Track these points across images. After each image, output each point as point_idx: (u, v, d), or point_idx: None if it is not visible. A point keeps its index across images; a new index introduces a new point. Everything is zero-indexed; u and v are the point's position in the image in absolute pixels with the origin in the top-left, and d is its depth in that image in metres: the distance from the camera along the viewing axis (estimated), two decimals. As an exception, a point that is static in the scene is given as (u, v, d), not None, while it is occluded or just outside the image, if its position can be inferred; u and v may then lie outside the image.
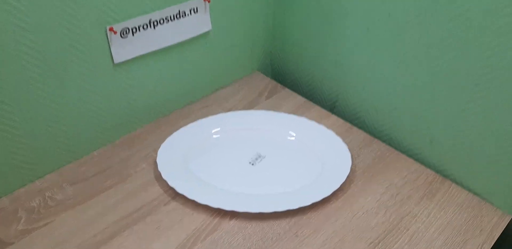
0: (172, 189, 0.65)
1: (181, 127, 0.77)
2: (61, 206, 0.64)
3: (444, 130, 0.68)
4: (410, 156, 0.74)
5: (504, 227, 0.62)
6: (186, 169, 0.68)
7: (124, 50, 0.66)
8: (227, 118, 0.78)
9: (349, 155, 0.70)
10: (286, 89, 0.87)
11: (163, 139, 0.75)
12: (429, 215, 0.63)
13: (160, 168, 0.67)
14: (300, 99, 0.85)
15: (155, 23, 0.67)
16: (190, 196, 0.63)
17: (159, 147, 0.72)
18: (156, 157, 0.71)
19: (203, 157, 0.71)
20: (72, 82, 0.64)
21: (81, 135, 0.70)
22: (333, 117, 0.81)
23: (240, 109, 0.82)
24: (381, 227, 0.61)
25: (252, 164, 0.70)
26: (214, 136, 0.75)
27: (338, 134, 0.77)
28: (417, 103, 0.70)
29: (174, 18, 0.70)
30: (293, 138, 0.75)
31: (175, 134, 0.74)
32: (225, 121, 0.77)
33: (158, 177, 0.68)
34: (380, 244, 0.59)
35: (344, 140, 0.75)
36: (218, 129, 0.76)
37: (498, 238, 0.61)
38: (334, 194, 0.65)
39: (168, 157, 0.70)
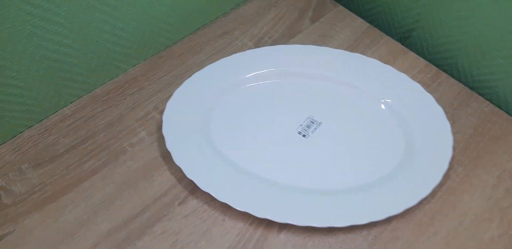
0: (188, 179, 0.44)
1: (192, 68, 0.51)
2: (21, 206, 0.42)
3: None
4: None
5: None
6: (208, 142, 0.45)
7: None
8: (262, 57, 0.52)
9: (448, 126, 0.48)
10: (339, 6, 0.60)
11: (168, 90, 0.50)
12: (560, 221, 0.44)
13: (169, 145, 0.44)
14: (361, 23, 0.58)
15: None
16: (218, 196, 0.41)
17: (163, 102, 0.48)
18: (160, 119, 0.48)
19: (231, 122, 0.48)
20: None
21: (42, 87, 0.45)
22: (411, 55, 0.55)
23: (276, 39, 0.56)
24: (498, 243, 0.43)
25: (303, 135, 0.47)
26: (247, 85, 0.50)
27: (420, 83, 0.53)
28: None
29: None
30: (362, 93, 0.51)
31: (186, 84, 0.48)
32: (259, 63, 0.51)
33: (167, 155, 0.46)
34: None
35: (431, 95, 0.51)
36: (252, 74, 0.51)
37: None
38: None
39: (179, 122, 0.46)
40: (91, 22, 0.45)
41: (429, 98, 0.49)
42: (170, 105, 0.47)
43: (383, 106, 0.49)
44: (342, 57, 0.52)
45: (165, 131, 0.45)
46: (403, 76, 0.51)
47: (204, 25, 0.57)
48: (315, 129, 0.48)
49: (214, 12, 0.57)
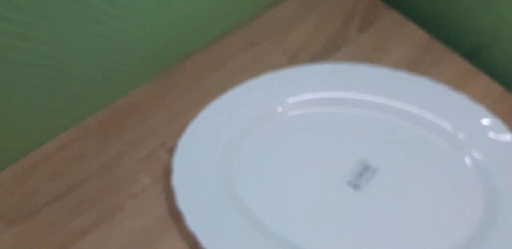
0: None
1: (210, 91, 0.41)
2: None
3: None
4: None
5: None
6: (232, 197, 0.35)
7: None
8: (301, 79, 0.41)
9: None
10: (394, 12, 0.48)
11: (179, 120, 0.39)
12: None
13: (180, 201, 0.33)
14: (421, 35, 0.46)
15: None
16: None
17: (173, 138, 0.38)
18: (169, 160, 0.37)
19: (261, 169, 0.37)
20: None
21: (21, 119, 0.34)
22: (483, 79, 0.44)
23: (315, 53, 0.44)
24: None
25: (354, 186, 0.37)
26: (282, 117, 0.39)
27: (496, 115, 0.42)
28: None
29: None
30: (435, 135, 0.40)
31: (204, 114, 0.38)
32: (297, 87, 0.40)
33: (177, 212, 0.35)
34: None
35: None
36: (288, 102, 0.40)
37: None
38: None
39: (194, 168, 0.35)
40: (85, 38, 0.34)
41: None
42: (183, 144, 0.36)
43: (465, 157, 0.38)
44: (406, 82, 0.40)
45: (175, 182, 0.34)
46: (482, 110, 0.39)
47: (225, 33, 0.46)
48: (370, 177, 0.37)
49: (237, 15, 0.46)
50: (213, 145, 0.36)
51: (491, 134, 0.38)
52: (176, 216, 0.35)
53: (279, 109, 0.39)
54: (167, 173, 0.37)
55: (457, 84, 0.43)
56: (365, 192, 0.36)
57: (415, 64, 0.44)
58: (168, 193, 0.36)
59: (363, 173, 0.37)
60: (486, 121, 0.39)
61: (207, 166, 0.35)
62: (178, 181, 0.34)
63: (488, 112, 0.39)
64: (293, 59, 0.44)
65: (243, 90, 0.39)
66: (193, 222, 0.33)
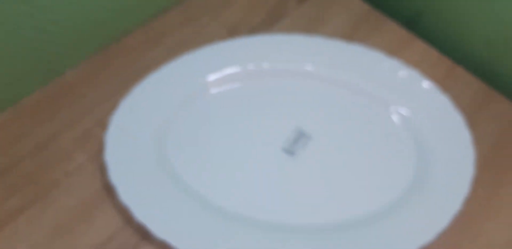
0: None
1: (147, 67, 0.40)
2: None
3: None
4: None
5: None
6: (165, 170, 0.35)
7: None
8: (236, 51, 0.41)
9: (468, 139, 0.38)
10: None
11: (114, 98, 0.39)
12: None
13: (113, 176, 0.34)
14: (359, 5, 0.47)
15: None
16: (179, 245, 0.32)
17: (107, 117, 0.38)
18: (103, 138, 0.37)
19: (195, 141, 0.37)
20: None
21: None
22: (420, 46, 0.44)
23: (255, 26, 0.44)
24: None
25: (290, 153, 0.37)
26: (218, 89, 0.40)
27: (433, 79, 0.42)
28: None
29: None
30: (364, 98, 0.40)
31: (136, 91, 0.38)
32: (232, 59, 0.40)
33: (112, 188, 0.35)
34: None
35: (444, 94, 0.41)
36: (223, 74, 0.40)
37: None
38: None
39: (126, 143, 0.35)
40: (13, 18, 0.34)
41: (446, 102, 0.39)
42: (116, 120, 0.36)
43: (392, 115, 0.39)
44: (339, 50, 0.41)
45: (108, 157, 0.35)
46: (415, 74, 0.40)
47: (164, 10, 0.46)
48: (305, 143, 0.38)
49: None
50: (145, 120, 0.37)
51: (415, 88, 0.39)
52: (111, 192, 0.35)
53: (212, 83, 0.39)
54: (103, 153, 0.37)
55: (394, 50, 0.44)
56: (300, 157, 0.37)
57: (353, 33, 0.45)
58: (104, 170, 0.36)
59: (298, 140, 0.38)
60: (402, 74, 0.40)
61: (140, 141, 0.36)
62: (111, 155, 0.35)
63: (410, 69, 0.40)
64: (233, 33, 0.44)
65: (176, 65, 0.39)
66: (126, 195, 0.33)
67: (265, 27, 0.45)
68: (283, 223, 0.34)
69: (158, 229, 0.32)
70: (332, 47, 0.41)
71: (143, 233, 0.34)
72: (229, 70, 0.40)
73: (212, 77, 0.39)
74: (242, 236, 0.32)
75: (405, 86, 0.40)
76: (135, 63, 0.42)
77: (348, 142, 0.38)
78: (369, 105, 0.40)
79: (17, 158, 0.36)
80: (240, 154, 0.37)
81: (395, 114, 0.39)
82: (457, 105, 0.41)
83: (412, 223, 0.34)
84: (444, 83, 0.42)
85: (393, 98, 0.40)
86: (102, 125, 0.38)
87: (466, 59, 0.47)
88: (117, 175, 0.34)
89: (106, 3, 0.40)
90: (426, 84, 0.40)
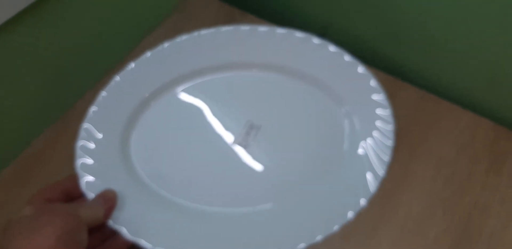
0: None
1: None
2: None
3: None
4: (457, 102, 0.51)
5: None
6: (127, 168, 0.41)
7: None
8: (164, 63, 0.45)
9: (390, 115, 0.42)
10: (249, 15, 0.57)
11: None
12: (503, 201, 0.44)
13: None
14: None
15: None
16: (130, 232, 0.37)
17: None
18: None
19: (155, 144, 0.43)
20: None
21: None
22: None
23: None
24: (445, 238, 0.42)
25: (242, 145, 0.43)
26: (161, 99, 0.45)
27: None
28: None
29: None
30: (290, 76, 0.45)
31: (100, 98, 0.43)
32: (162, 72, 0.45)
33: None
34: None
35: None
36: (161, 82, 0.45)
37: None
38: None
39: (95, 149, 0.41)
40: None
41: (374, 84, 0.43)
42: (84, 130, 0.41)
43: (327, 97, 0.44)
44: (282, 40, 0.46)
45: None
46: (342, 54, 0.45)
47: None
48: (255, 135, 0.43)
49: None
50: (112, 124, 0.42)
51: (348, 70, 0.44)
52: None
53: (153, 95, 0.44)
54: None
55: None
56: (253, 149, 0.42)
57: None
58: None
59: (249, 132, 0.43)
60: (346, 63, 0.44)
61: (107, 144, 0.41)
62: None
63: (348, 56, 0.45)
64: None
65: (119, 81, 0.44)
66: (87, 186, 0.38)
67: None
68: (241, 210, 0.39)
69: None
70: (262, 36, 0.46)
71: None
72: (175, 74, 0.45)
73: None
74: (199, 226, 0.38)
75: (335, 65, 0.45)
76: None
77: (295, 129, 0.43)
78: (292, 81, 0.45)
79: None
80: (197, 152, 0.42)
81: (330, 97, 0.44)
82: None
83: (342, 190, 0.39)
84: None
85: (325, 77, 0.44)
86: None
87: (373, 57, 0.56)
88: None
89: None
90: (360, 69, 0.44)
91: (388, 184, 0.44)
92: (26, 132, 0.49)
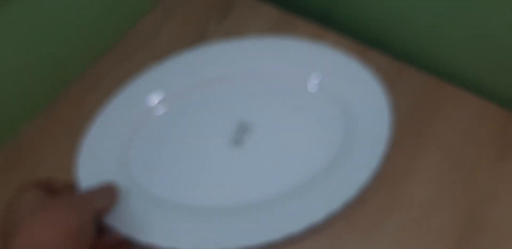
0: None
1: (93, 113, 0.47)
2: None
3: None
4: (464, 86, 0.48)
5: None
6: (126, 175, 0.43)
7: None
8: (169, 72, 0.48)
9: (385, 104, 0.43)
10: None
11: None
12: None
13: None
14: (273, 13, 0.53)
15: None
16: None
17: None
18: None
19: (154, 150, 0.45)
20: None
21: None
22: (332, 36, 0.51)
23: (182, 49, 0.50)
24: (452, 230, 0.40)
25: (236, 143, 0.44)
26: (158, 113, 0.47)
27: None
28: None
29: None
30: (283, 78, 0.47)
31: (95, 128, 0.45)
32: (168, 79, 0.48)
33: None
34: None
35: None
36: (162, 95, 0.48)
37: None
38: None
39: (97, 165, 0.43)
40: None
41: (367, 75, 0.45)
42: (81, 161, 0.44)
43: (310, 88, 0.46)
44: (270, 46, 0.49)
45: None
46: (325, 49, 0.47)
47: (98, 57, 0.52)
48: (249, 133, 0.44)
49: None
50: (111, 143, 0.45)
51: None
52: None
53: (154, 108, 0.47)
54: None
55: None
56: (247, 147, 0.44)
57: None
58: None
59: (242, 131, 0.44)
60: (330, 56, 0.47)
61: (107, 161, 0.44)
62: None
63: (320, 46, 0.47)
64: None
65: (117, 103, 0.47)
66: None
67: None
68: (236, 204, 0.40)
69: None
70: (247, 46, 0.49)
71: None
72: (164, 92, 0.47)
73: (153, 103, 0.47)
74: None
75: (327, 61, 0.47)
76: (82, 110, 0.47)
77: (285, 124, 0.45)
78: (287, 81, 0.47)
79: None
80: (193, 155, 0.44)
81: (321, 89, 0.46)
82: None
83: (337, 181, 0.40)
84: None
85: (314, 70, 0.46)
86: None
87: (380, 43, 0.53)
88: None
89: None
90: (353, 63, 0.46)
91: (392, 173, 0.43)
92: (15, 119, 0.47)
